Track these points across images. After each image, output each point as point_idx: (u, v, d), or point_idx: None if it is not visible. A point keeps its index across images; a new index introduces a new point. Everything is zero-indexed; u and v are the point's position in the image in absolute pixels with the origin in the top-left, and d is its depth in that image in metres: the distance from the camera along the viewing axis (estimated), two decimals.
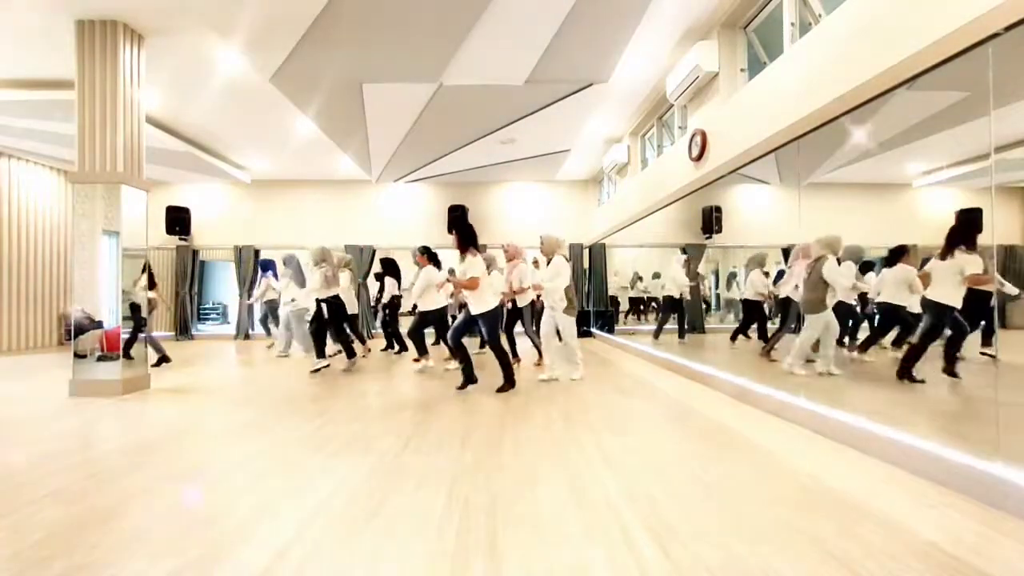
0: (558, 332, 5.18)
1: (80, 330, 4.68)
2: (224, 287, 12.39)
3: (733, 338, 6.00)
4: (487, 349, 7.50)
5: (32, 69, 5.67)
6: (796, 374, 4.09)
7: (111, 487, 2.36)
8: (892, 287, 3.87)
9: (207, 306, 12.05)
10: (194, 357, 7.57)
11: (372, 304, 9.31)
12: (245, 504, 2.15)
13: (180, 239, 10.44)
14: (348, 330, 6.85)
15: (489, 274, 7.25)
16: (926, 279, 3.41)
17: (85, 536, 1.87)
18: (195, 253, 10.68)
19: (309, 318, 6.90)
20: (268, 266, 7.95)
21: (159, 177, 10.05)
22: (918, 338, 3.46)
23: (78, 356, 4.61)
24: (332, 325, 5.85)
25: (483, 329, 4.58)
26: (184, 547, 1.78)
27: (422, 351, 5.83)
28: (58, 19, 4.65)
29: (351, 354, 5.88)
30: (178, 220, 10.23)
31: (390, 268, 7.48)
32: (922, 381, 3.46)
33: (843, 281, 3.98)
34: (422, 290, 5.60)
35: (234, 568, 1.65)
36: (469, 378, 4.58)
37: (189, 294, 10.55)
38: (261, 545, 1.79)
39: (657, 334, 7.22)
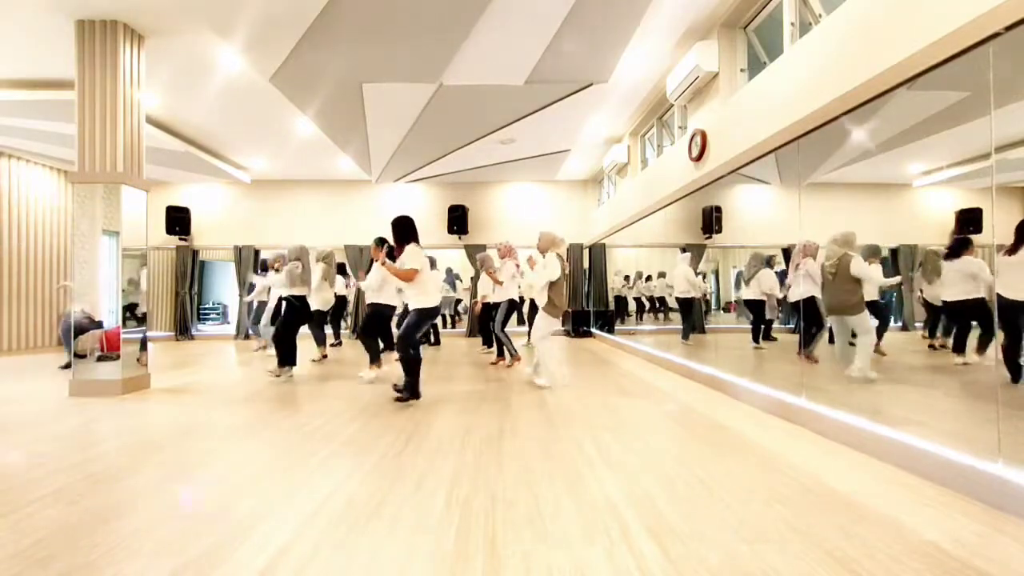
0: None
1: (80, 331, 4.68)
2: (224, 287, 12.39)
3: (756, 340, 5.81)
4: (486, 348, 7.58)
5: (32, 69, 5.67)
6: (871, 378, 3.72)
7: (111, 487, 2.36)
8: (960, 283, 3.52)
9: (207, 306, 12.05)
10: (194, 357, 7.57)
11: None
12: (245, 504, 2.15)
13: (180, 239, 10.44)
14: (319, 329, 6.84)
15: (479, 276, 7.27)
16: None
17: (85, 536, 1.87)
18: (195, 253, 10.68)
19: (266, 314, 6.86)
20: (268, 266, 7.95)
21: (159, 177, 10.05)
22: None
23: (78, 356, 4.61)
24: (287, 326, 5.29)
25: (407, 320, 4.13)
26: (184, 547, 1.78)
27: (374, 356, 5.27)
28: (58, 19, 4.65)
29: (284, 362, 5.21)
30: (178, 220, 10.23)
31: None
32: None
33: (876, 276, 3.84)
34: (379, 284, 5.23)
35: (234, 568, 1.65)
36: (411, 389, 4.07)
37: (189, 294, 10.55)
38: (261, 545, 1.79)
39: (685, 335, 7.06)
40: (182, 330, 10.45)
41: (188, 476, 2.51)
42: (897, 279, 4.19)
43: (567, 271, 4.85)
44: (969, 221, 3.32)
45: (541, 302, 4.79)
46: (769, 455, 2.75)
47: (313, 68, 5.39)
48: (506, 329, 6.19)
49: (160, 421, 3.66)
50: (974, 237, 3.34)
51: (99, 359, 4.63)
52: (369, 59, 5.29)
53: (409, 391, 4.07)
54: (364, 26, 4.66)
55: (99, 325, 4.67)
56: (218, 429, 3.42)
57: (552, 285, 4.71)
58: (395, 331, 6.21)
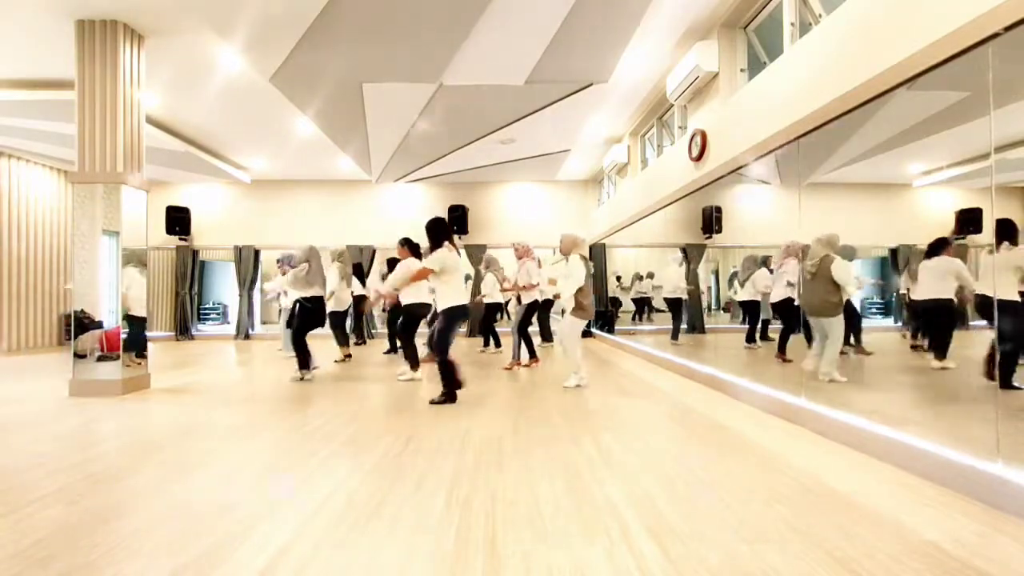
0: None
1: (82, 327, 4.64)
2: (224, 287, 12.38)
3: (750, 340, 5.89)
4: (491, 348, 7.59)
5: (32, 69, 5.67)
6: (838, 381, 3.77)
7: (111, 487, 2.36)
8: (935, 282, 3.52)
9: (207, 306, 12.05)
10: (194, 357, 7.57)
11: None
12: (245, 504, 2.15)
13: (180, 239, 10.44)
14: (340, 330, 6.85)
15: (484, 275, 7.30)
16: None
17: (85, 536, 1.87)
18: (195, 253, 10.68)
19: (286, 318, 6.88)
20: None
21: (159, 177, 10.05)
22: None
23: (78, 356, 4.61)
24: (300, 327, 5.25)
25: (436, 325, 4.12)
26: (184, 547, 1.78)
27: (413, 361, 5.25)
28: (58, 19, 4.65)
29: (304, 365, 5.25)
30: (178, 220, 10.22)
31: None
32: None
33: (854, 280, 3.86)
34: (401, 282, 5.13)
35: (234, 568, 1.65)
36: (448, 393, 4.09)
37: (189, 294, 10.55)
38: (261, 545, 1.79)
39: (675, 335, 7.14)
40: (182, 330, 10.45)
41: (188, 476, 2.51)
42: (872, 281, 4.22)
43: (591, 271, 4.78)
44: (969, 221, 3.32)
45: (568, 307, 4.70)
46: (769, 455, 2.75)
47: (313, 68, 5.39)
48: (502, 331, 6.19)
49: (160, 421, 3.67)
50: (975, 237, 3.34)
51: (99, 359, 4.63)
52: (369, 59, 5.29)
53: (446, 396, 4.07)
54: (364, 26, 4.66)
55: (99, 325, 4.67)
56: (218, 429, 3.42)
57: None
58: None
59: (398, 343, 6.51)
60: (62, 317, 9.28)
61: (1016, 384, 2.74)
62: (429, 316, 5.45)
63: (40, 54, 5.31)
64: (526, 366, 6.04)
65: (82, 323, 4.69)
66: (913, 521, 1.94)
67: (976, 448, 2.20)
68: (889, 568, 1.62)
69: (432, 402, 4.06)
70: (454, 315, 4.09)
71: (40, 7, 4.49)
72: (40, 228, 9.09)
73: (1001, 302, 2.82)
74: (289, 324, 5.97)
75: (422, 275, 4.09)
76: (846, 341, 4.15)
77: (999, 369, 2.62)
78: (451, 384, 4.08)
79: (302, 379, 5.22)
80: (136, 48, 4.92)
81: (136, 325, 4.88)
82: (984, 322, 3.16)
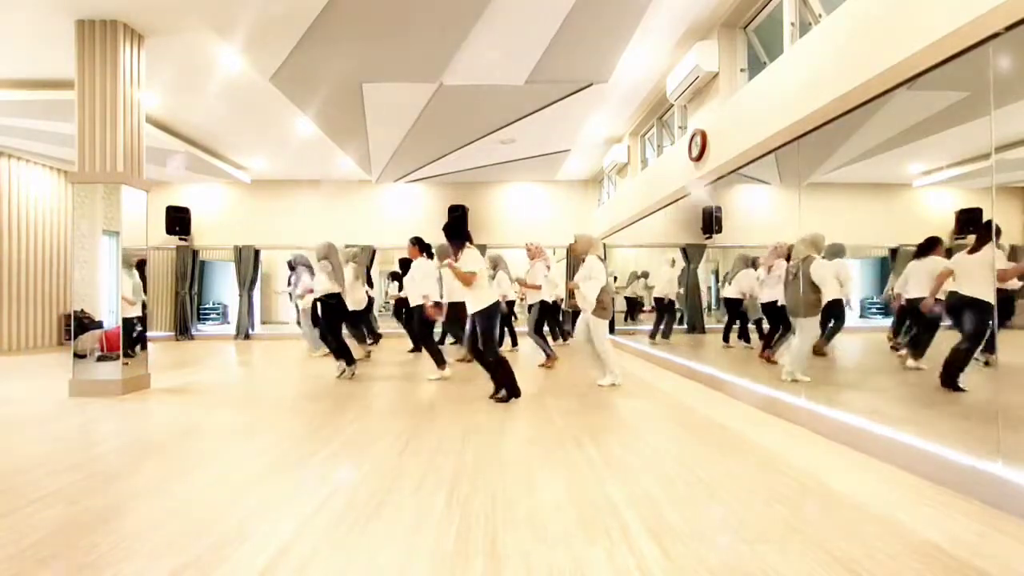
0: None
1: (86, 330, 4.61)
2: (224, 287, 12.38)
3: (726, 339, 5.99)
4: (518, 347, 7.64)
5: (32, 69, 5.67)
6: (800, 381, 3.83)
7: (111, 487, 2.36)
8: (923, 281, 3.56)
9: (207, 306, 12.05)
10: (194, 357, 7.57)
11: (386, 302, 9.57)
12: (245, 504, 2.15)
13: (180, 239, 10.44)
14: (350, 330, 6.88)
15: (495, 275, 7.34)
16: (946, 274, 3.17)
17: (85, 536, 1.87)
18: (195, 253, 10.68)
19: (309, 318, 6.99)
20: (292, 266, 8.07)
21: (159, 177, 10.04)
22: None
23: (78, 356, 4.60)
24: (328, 325, 5.33)
25: (478, 328, 4.15)
26: (184, 547, 1.78)
27: (439, 359, 5.31)
28: (58, 19, 4.64)
29: (350, 360, 5.34)
30: (178, 220, 10.23)
31: (407, 268, 7.50)
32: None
33: (833, 282, 3.90)
34: (417, 284, 5.32)
35: (234, 568, 1.65)
36: (509, 389, 4.15)
37: (189, 294, 10.55)
38: (261, 545, 1.79)
39: (653, 335, 7.25)
40: (182, 330, 10.44)
41: (188, 476, 2.51)
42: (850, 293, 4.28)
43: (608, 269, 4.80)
44: (969, 221, 3.32)
45: (589, 308, 4.68)
46: (769, 455, 2.75)
47: (313, 68, 5.39)
48: (507, 329, 6.22)
49: (160, 421, 3.67)
50: (974, 237, 3.34)
51: (99, 359, 4.62)
52: (369, 59, 5.29)
53: (508, 392, 4.14)
54: (364, 26, 4.66)
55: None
56: (218, 429, 3.42)
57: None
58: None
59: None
60: (62, 317, 9.28)
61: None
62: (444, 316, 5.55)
63: (40, 54, 5.31)
64: (542, 365, 6.11)
65: (82, 323, 4.68)
66: (912, 521, 1.94)
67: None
68: (889, 568, 1.62)
69: (497, 400, 4.13)
70: (492, 314, 4.14)
71: (40, 7, 4.49)
72: (40, 228, 9.08)
73: (970, 301, 2.87)
74: (315, 323, 6.00)
75: (469, 279, 4.08)
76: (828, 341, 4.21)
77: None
78: (509, 378, 4.14)
79: (352, 376, 5.25)
80: (136, 48, 4.92)
81: (124, 326, 4.81)
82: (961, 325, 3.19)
